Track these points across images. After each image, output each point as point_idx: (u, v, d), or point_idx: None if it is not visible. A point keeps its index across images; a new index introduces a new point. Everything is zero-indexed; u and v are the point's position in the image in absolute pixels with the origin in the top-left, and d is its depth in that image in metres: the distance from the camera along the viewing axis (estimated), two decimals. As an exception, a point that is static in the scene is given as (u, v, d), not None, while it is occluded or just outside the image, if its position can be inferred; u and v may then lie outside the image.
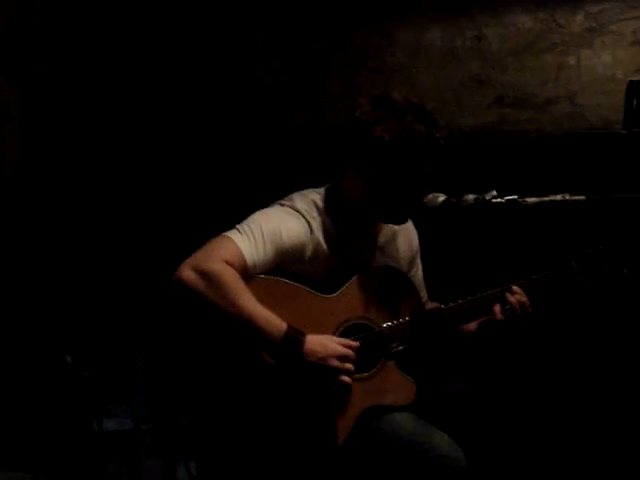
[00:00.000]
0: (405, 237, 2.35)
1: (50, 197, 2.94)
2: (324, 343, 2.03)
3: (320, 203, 2.18)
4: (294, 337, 2.00)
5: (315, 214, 2.16)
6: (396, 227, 2.31)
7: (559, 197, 2.02)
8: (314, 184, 2.26)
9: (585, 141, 2.82)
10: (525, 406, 2.79)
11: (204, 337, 2.08)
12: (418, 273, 2.41)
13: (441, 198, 2.08)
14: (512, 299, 2.13)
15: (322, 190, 2.23)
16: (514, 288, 2.15)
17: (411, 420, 2.08)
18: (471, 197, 2.04)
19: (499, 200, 2.01)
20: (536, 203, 2.01)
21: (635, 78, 2.81)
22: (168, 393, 2.65)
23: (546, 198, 2.02)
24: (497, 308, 2.14)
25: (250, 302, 1.99)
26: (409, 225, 2.36)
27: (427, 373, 2.30)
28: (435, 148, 2.07)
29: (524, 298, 2.14)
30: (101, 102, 3.00)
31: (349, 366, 2.03)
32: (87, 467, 2.81)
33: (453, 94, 2.91)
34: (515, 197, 2.00)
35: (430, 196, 2.10)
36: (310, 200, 2.18)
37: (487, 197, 2.01)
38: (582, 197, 2.02)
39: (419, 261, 2.41)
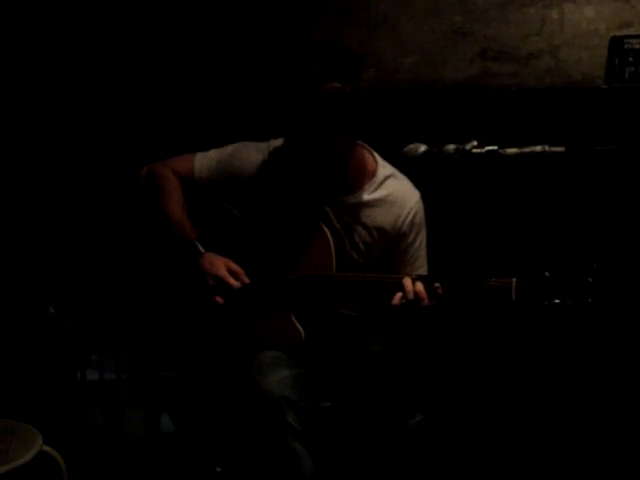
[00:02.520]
0: (389, 211, 2.32)
1: (28, 144, 2.93)
2: (213, 262, 2.25)
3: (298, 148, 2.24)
4: (195, 248, 2.28)
5: (285, 158, 2.26)
6: (381, 195, 2.31)
7: (538, 148, 2.03)
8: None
9: (566, 96, 2.83)
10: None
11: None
12: (404, 253, 2.36)
13: (422, 148, 2.10)
14: (408, 286, 2.12)
15: None
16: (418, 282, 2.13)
17: (267, 356, 2.22)
18: (451, 147, 2.05)
19: (479, 150, 2.02)
20: (515, 154, 2.02)
21: (618, 33, 2.81)
22: (146, 344, 2.70)
23: (526, 149, 2.03)
24: (399, 295, 2.14)
25: (173, 206, 2.32)
26: (404, 204, 2.33)
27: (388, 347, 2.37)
28: (322, 94, 2.05)
29: (421, 289, 2.12)
30: (88, 46, 2.97)
31: (226, 289, 2.22)
32: (70, 417, 2.84)
33: (436, 46, 2.90)
34: (495, 148, 2.02)
35: (411, 146, 2.12)
36: (289, 142, 2.26)
37: (467, 147, 2.03)
38: (561, 149, 2.04)
39: (409, 243, 2.35)
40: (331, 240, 2.23)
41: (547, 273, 2.08)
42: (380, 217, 2.30)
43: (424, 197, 2.40)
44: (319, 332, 2.31)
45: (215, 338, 2.32)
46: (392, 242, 2.33)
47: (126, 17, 2.97)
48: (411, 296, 2.11)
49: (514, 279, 2.10)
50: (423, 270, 2.37)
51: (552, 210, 2.83)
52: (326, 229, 2.24)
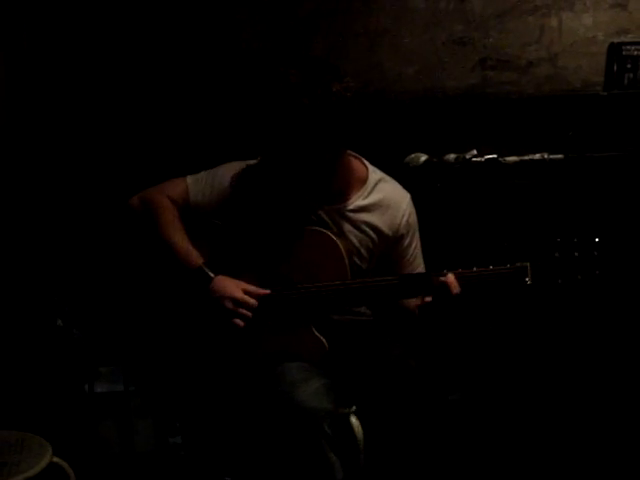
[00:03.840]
0: (384, 214, 2.32)
1: (37, 158, 2.95)
2: (226, 285, 2.21)
3: None
4: (204, 273, 2.21)
5: (277, 173, 2.24)
6: (375, 199, 2.31)
7: (538, 156, 2.06)
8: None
9: (566, 103, 2.84)
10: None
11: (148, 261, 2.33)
12: (404, 253, 2.37)
13: (423, 158, 2.13)
14: (437, 282, 2.14)
15: None
16: (445, 273, 2.15)
17: (295, 370, 2.19)
18: (452, 156, 2.08)
19: (479, 159, 2.05)
20: (515, 162, 2.05)
21: (615, 40, 2.84)
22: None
23: (525, 157, 2.06)
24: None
25: (175, 234, 2.25)
26: (398, 205, 2.33)
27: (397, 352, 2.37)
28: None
29: (450, 281, 2.13)
30: (87, 58, 2.99)
31: (243, 311, 2.19)
32: (80, 428, 2.85)
33: (436, 56, 2.92)
34: (494, 156, 2.05)
35: (412, 156, 2.15)
36: (270, 159, 2.26)
37: (467, 156, 2.06)
38: (560, 156, 2.06)
39: (409, 243, 2.37)
40: (342, 247, 2.24)
41: (557, 254, 2.11)
42: (377, 221, 2.31)
43: (426, 206, 2.43)
44: (339, 340, 2.31)
45: (230, 356, 2.28)
46: (391, 244, 2.34)
47: (117, 42, 2.99)
48: (440, 289, 2.14)
49: (528, 263, 2.12)
50: (421, 268, 2.39)
51: (550, 214, 2.84)
52: (334, 237, 2.25)
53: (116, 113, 2.99)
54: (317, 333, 2.24)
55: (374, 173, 2.34)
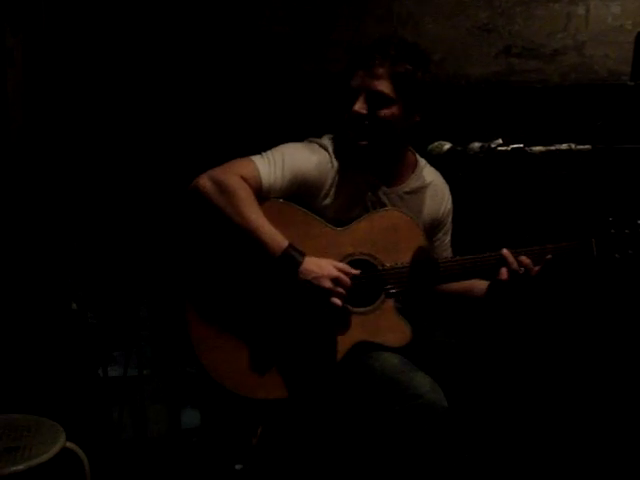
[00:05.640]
0: (434, 198, 2.39)
1: (54, 142, 2.95)
2: (321, 265, 2.12)
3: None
4: (293, 255, 2.10)
5: (341, 153, 2.25)
6: (426, 182, 2.37)
7: (564, 146, 2.01)
8: (321, 132, 2.32)
9: (592, 92, 2.80)
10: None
11: (215, 248, 2.19)
12: (443, 239, 2.45)
13: (447, 146, 2.09)
14: (511, 259, 2.15)
15: None
16: (522, 251, 2.17)
17: (397, 359, 2.15)
18: (476, 145, 2.04)
19: (504, 148, 2.00)
20: (541, 152, 2.01)
21: (644, 29, 2.79)
22: (171, 340, 2.69)
23: (552, 147, 2.02)
24: (503, 269, 2.16)
25: (257, 216, 2.11)
26: (444, 190, 2.43)
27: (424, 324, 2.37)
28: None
29: (528, 260, 2.15)
30: (105, 48, 2.99)
31: (341, 290, 2.11)
32: (93, 413, 2.85)
33: (460, 43, 2.90)
34: (520, 145, 2.00)
35: (436, 144, 2.12)
36: (339, 140, 2.28)
37: (492, 145, 2.01)
38: (588, 147, 2.02)
39: (447, 229, 2.45)
40: (420, 226, 2.26)
41: (613, 230, 2.18)
42: (429, 203, 2.37)
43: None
44: None
45: (311, 340, 2.19)
46: (435, 227, 2.41)
47: (135, 31, 2.99)
48: (516, 266, 2.14)
49: (593, 238, 2.19)
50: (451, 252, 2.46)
51: (576, 205, 2.81)
52: (412, 217, 2.26)
53: (134, 104, 3.00)
54: (402, 319, 2.22)
55: (420, 158, 2.40)
